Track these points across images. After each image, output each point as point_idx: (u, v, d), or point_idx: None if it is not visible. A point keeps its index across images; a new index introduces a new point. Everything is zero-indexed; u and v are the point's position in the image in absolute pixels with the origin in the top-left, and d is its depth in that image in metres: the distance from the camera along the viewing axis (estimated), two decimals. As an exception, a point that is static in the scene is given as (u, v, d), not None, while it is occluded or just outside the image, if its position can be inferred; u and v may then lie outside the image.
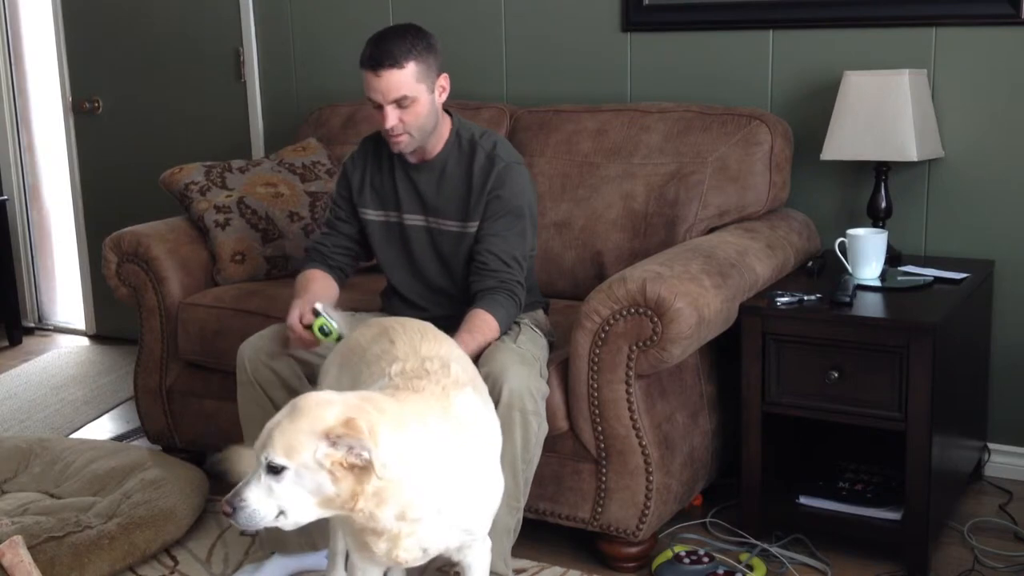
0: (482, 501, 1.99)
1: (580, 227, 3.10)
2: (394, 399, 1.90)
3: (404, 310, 2.68)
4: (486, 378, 2.37)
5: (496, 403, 2.33)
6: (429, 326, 2.22)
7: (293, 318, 2.52)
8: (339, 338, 2.42)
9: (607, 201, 3.11)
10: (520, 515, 2.44)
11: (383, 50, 2.46)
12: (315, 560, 2.62)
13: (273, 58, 4.21)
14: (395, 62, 2.45)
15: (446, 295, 2.68)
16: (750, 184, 3.05)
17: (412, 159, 2.64)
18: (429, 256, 2.68)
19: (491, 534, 2.32)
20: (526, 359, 2.42)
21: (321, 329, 2.44)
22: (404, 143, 2.55)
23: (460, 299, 2.61)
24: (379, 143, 2.70)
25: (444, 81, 2.58)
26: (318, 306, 2.47)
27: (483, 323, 2.49)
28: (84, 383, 4.33)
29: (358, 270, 3.43)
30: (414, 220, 2.67)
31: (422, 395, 1.94)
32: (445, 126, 2.63)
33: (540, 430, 2.41)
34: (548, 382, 2.57)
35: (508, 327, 2.56)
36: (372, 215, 2.71)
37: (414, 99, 2.48)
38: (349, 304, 2.91)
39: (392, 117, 2.49)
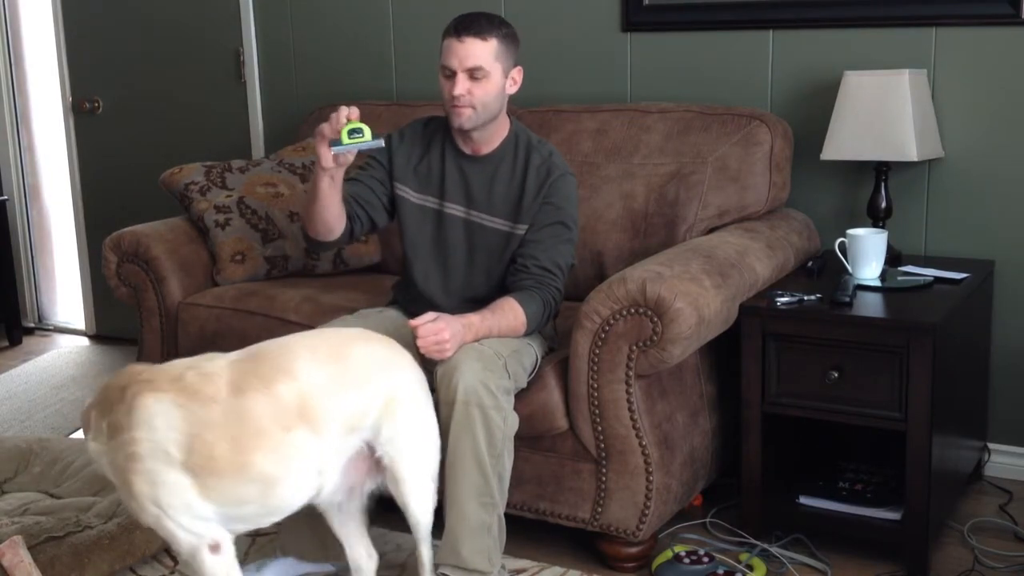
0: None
1: (580, 227, 3.09)
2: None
3: (411, 304, 2.69)
4: (442, 377, 2.39)
5: (451, 401, 2.34)
6: (325, 348, 2.22)
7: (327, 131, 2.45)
8: (372, 137, 2.44)
9: (607, 201, 3.10)
10: (499, 511, 2.42)
11: (472, 20, 2.54)
12: (322, 568, 2.61)
13: (273, 58, 4.22)
14: (480, 32, 2.52)
15: (468, 289, 2.67)
16: (750, 184, 3.05)
17: (467, 149, 2.66)
18: (462, 247, 2.67)
19: (466, 530, 2.37)
20: (484, 355, 2.40)
21: (351, 133, 2.42)
22: (467, 116, 2.56)
23: (480, 299, 2.59)
24: (430, 128, 2.72)
25: (517, 74, 2.63)
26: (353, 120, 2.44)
27: (509, 309, 2.51)
28: (84, 383, 4.33)
29: (350, 271, 3.45)
30: (454, 209, 2.67)
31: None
32: (505, 124, 2.67)
33: (507, 425, 2.40)
34: (546, 381, 2.58)
35: (537, 327, 2.57)
36: (411, 196, 2.70)
37: (487, 74, 2.53)
38: (353, 304, 2.91)
39: (462, 85, 2.52)
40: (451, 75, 2.54)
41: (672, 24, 3.43)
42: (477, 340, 2.45)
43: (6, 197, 4.94)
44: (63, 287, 5.27)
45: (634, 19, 3.47)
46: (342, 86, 4.02)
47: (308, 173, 3.54)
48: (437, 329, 2.37)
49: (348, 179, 2.72)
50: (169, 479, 2.04)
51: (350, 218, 2.68)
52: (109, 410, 2.07)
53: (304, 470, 2.13)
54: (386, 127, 3.57)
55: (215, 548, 2.11)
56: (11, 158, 5.06)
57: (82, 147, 4.80)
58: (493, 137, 2.65)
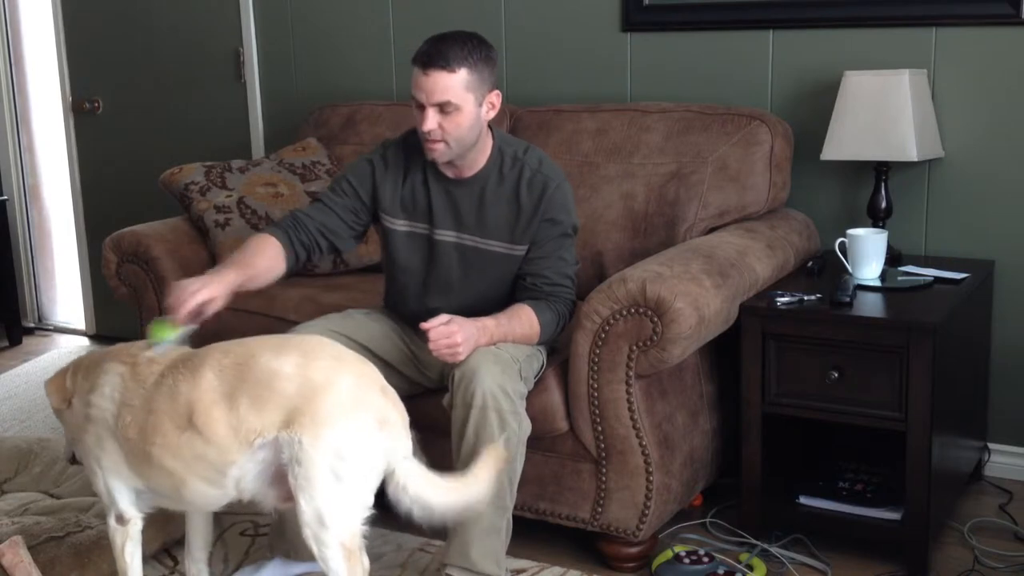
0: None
1: (580, 227, 3.09)
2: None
3: (401, 321, 2.68)
4: (460, 380, 2.36)
5: (469, 405, 2.32)
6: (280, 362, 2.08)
7: (193, 295, 2.26)
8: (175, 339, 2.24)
9: (607, 201, 3.11)
10: (508, 515, 2.42)
11: (438, 50, 2.38)
12: (318, 568, 2.61)
13: (273, 58, 4.22)
14: (447, 64, 2.37)
15: (466, 312, 2.49)
16: (750, 184, 3.05)
17: (450, 173, 2.55)
18: (456, 271, 2.59)
19: (477, 532, 2.35)
20: (501, 359, 2.37)
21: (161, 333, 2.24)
22: (439, 151, 2.45)
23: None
24: (410, 150, 2.58)
25: (495, 98, 2.48)
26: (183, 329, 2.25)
27: (525, 317, 2.47)
28: (84, 383, 4.33)
29: (350, 271, 3.44)
30: (445, 235, 2.57)
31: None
32: (487, 142, 2.53)
33: (521, 430, 2.39)
34: (546, 383, 2.58)
35: (549, 338, 2.54)
36: (400, 225, 2.61)
37: (458, 107, 2.39)
38: (353, 305, 2.91)
39: (432, 120, 2.40)
40: (420, 107, 2.41)
41: (672, 24, 3.43)
42: (492, 344, 2.41)
43: (6, 197, 4.94)
44: (63, 287, 5.27)
45: (634, 19, 3.48)
46: (342, 86, 4.02)
47: (308, 173, 3.54)
48: (449, 332, 2.33)
49: (316, 201, 2.64)
50: (108, 444, 2.18)
51: (306, 248, 2.56)
52: (87, 371, 2.23)
53: (202, 470, 2.09)
54: (386, 127, 3.58)
55: (120, 519, 2.27)
56: (11, 158, 5.06)
57: (82, 147, 4.81)
58: (476, 160, 2.52)
